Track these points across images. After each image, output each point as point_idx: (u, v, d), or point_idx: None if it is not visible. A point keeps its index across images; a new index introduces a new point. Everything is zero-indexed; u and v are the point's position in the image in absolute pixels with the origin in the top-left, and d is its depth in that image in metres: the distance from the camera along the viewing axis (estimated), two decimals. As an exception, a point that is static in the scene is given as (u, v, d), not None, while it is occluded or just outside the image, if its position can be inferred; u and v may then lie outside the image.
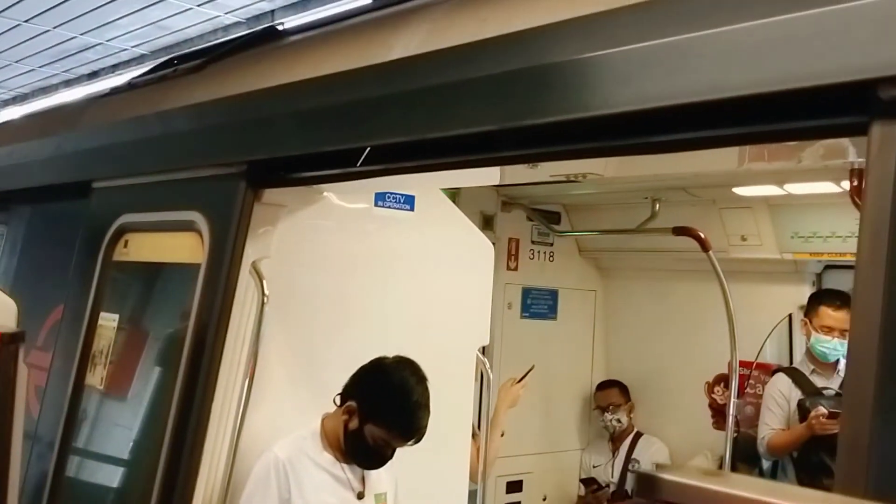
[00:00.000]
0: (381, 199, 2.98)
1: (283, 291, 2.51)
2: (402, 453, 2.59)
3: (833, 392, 4.14)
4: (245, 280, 2.28)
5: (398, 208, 3.03)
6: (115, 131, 3.03)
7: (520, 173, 2.49)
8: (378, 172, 2.07)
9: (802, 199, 4.09)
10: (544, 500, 5.05)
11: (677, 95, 1.30)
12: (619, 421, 4.92)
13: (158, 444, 2.28)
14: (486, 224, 4.60)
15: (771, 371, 4.44)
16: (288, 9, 6.73)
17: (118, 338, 2.73)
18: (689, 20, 1.29)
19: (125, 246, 2.80)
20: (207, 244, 2.32)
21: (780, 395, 4.22)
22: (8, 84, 9.85)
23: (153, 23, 7.41)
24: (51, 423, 2.77)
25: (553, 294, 5.10)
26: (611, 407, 4.94)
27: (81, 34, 7.84)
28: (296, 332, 2.74)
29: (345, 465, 2.61)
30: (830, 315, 4.06)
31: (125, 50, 8.25)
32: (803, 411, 4.06)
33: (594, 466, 5.07)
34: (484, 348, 3.28)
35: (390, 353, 2.60)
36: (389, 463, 2.60)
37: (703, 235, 4.10)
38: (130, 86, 3.27)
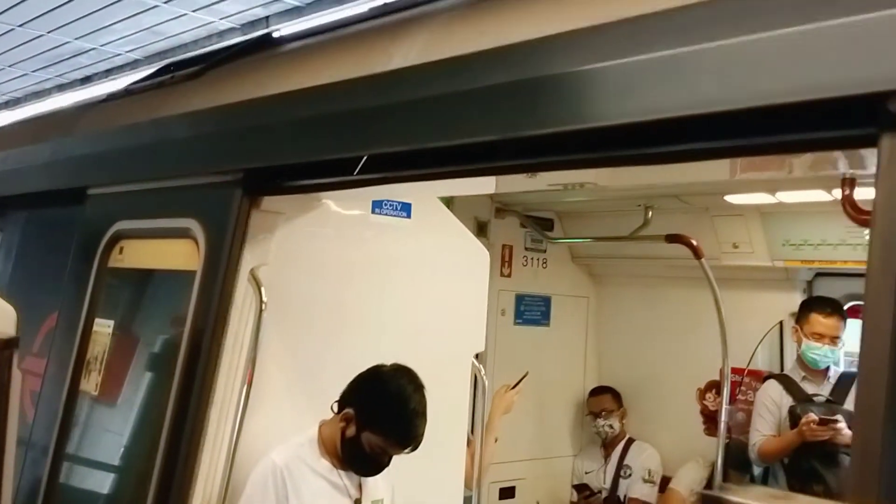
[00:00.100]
0: (378, 206, 3.00)
1: (281, 298, 2.51)
2: (398, 460, 2.60)
3: (823, 399, 4.18)
4: (243, 287, 2.28)
5: (395, 216, 3.05)
6: (110, 138, 3.03)
7: (517, 182, 2.51)
8: (375, 181, 2.08)
9: (794, 208, 4.12)
10: (537, 505, 5.06)
11: (681, 107, 1.30)
12: (611, 427, 4.94)
13: (154, 452, 2.27)
14: (480, 231, 4.61)
15: (762, 378, 4.47)
16: (283, 15, 6.73)
17: (113, 344, 2.73)
18: (694, 32, 1.30)
19: (120, 252, 2.80)
20: (203, 252, 2.32)
21: (772, 401, 4.25)
22: (1, 88, 9.81)
23: (147, 28, 7.39)
24: (45, 429, 2.76)
25: (546, 301, 5.12)
26: (603, 413, 4.95)
27: (75, 39, 7.81)
28: (293, 338, 2.75)
29: (342, 472, 2.61)
30: (821, 322, 4.10)
31: (119, 55, 8.22)
32: (794, 418, 4.09)
33: (586, 472, 5.08)
34: (478, 355, 3.29)
35: (387, 360, 2.61)
36: (386, 470, 2.61)
37: (695, 243, 4.13)
38: (126, 92, 3.27)
